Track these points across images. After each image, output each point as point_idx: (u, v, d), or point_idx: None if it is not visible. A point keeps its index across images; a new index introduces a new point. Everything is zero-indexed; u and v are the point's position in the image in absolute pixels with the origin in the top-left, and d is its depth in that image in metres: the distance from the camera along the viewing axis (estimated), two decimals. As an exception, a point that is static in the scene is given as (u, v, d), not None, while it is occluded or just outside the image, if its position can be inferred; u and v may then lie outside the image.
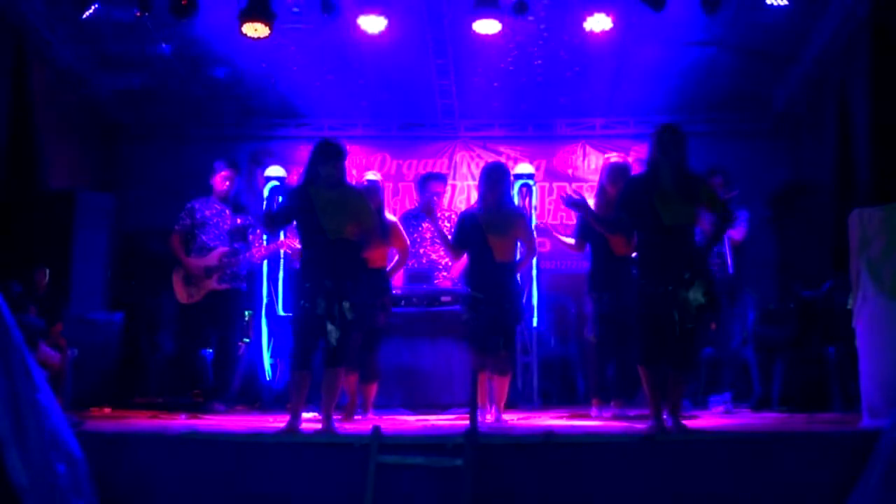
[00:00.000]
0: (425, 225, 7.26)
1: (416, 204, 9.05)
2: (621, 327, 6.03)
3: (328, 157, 5.05)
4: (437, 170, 9.53)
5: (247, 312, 8.26)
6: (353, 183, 6.12)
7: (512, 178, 6.90)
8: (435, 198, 7.27)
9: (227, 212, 7.10)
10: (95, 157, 9.14)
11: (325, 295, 4.92)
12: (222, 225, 7.05)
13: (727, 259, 6.86)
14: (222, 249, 6.97)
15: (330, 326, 4.93)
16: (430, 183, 7.46)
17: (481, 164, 7.34)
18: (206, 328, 7.06)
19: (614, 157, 6.32)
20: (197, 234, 7.02)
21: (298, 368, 5.03)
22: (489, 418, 5.70)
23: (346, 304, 4.94)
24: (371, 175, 6.42)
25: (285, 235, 7.13)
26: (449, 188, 9.24)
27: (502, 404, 5.87)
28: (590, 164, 9.63)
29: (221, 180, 7.09)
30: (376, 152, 9.76)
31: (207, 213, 7.05)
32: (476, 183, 9.14)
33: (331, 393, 5.09)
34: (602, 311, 6.05)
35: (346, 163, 5.17)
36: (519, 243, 5.93)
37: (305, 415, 5.30)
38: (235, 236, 7.09)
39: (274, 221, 5.27)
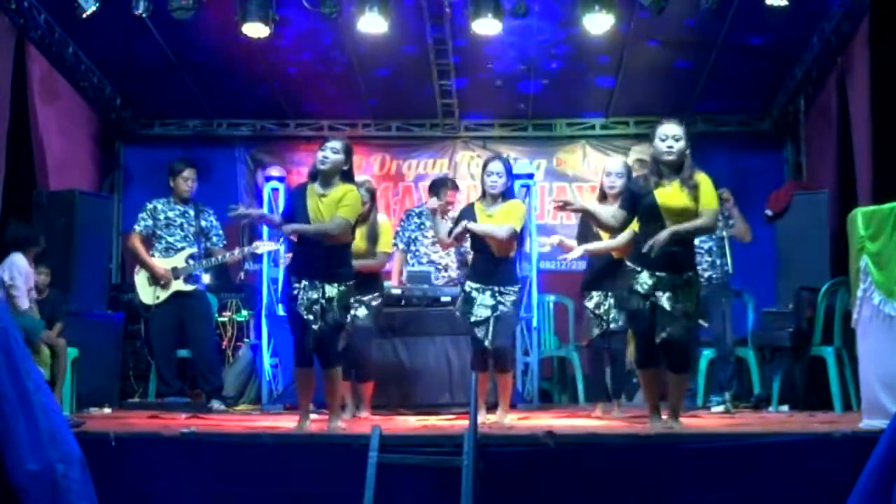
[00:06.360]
0: (429, 224, 7.20)
1: (420, 203, 9.03)
2: (616, 328, 6.03)
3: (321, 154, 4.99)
4: (436, 170, 9.53)
5: (246, 312, 8.27)
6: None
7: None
8: (447, 204, 7.17)
9: (191, 213, 7.12)
10: (95, 157, 9.14)
11: (307, 296, 4.88)
12: (187, 226, 7.08)
13: (727, 258, 6.85)
14: (190, 251, 7.02)
15: (313, 328, 4.88)
16: (443, 189, 7.37)
17: (481, 164, 7.28)
18: (177, 329, 7.06)
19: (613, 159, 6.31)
20: (161, 236, 7.06)
21: (298, 366, 5.06)
22: (490, 418, 5.68)
23: (329, 305, 4.88)
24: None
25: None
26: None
27: (507, 402, 5.79)
28: (590, 164, 9.62)
29: (183, 181, 7.11)
30: (376, 152, 9.75)
31: (171, 214, 7.09)
32: (476, 182, 9.18)
33: (332, 394, 5.10)
34: (596, 311, 6.02)
35: (350, 161, 5.06)
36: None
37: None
38: (201, 238, 7.11)
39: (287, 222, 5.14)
